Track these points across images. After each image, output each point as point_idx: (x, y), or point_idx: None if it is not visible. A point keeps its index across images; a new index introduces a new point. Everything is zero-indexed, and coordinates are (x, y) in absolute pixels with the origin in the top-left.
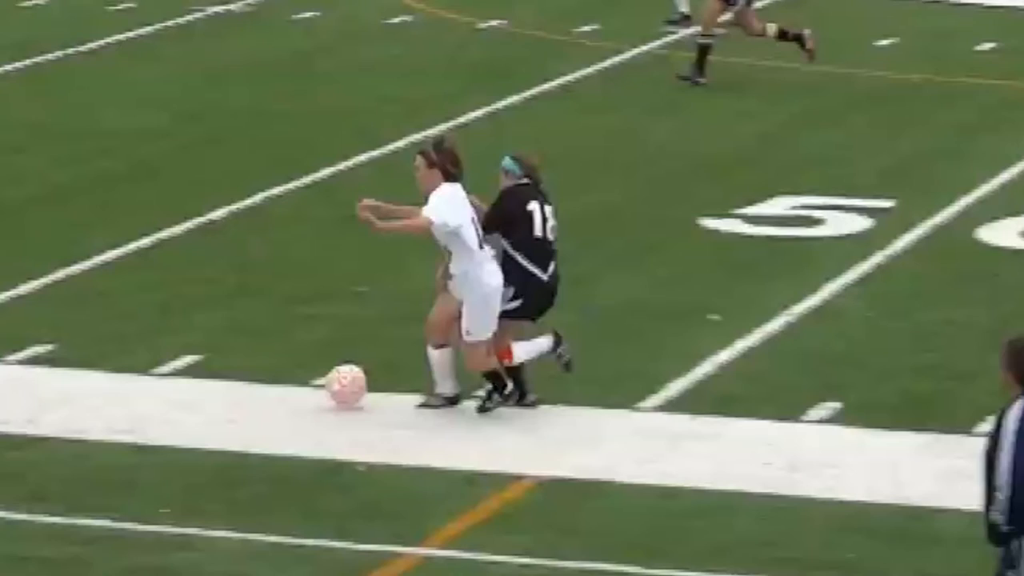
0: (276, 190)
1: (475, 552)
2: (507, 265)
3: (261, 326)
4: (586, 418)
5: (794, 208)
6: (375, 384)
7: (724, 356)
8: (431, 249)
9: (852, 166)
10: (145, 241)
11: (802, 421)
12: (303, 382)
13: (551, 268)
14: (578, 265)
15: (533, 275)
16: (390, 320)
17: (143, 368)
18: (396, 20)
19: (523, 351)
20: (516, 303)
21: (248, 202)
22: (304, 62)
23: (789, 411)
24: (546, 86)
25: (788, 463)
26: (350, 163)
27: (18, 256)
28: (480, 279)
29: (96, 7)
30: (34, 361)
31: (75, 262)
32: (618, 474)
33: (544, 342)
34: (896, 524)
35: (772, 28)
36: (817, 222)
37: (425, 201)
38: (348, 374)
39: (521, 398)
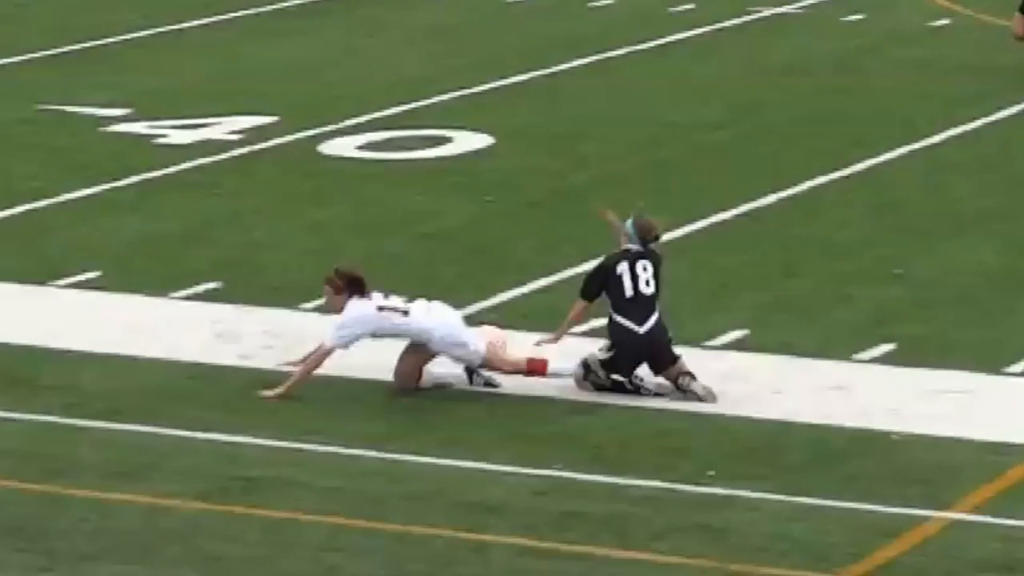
0: (821, 179)
1: (1002, 518)
2: (609, 322)
3: (804, 304)
4: None
5: None
6: (904, 361)
7: None
8: (963, 235)
9: None
10: (700, 224)
11: None
12: (845, 357)
13: (650, 322)
14: None
15: (628, 329)
16: (923, 301)
17: (696, 341)
18: (939, 23)
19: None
20: (610, 354)
21: (795, 190)
22: (852, 61)
23: None
24: None
25: None
26: (892, 155)
27: (586, 234)
28: (427, 328)
29: (659, 7)
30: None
31: None
32: None
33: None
34: None
35: None
36: None
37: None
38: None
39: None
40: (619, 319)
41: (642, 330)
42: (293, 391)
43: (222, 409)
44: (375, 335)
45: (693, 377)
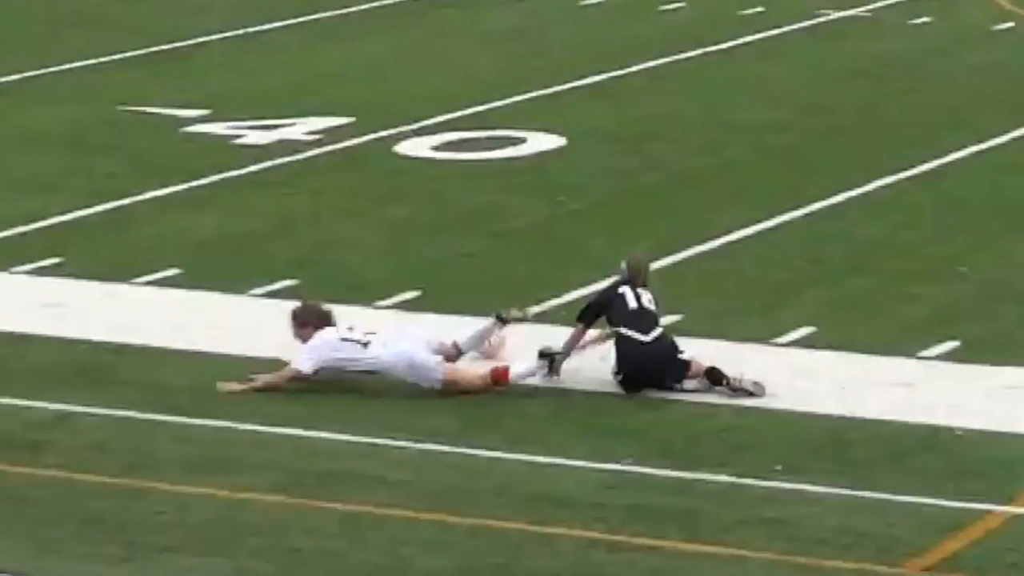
0: (886, 179)
1: None
2: (616, 339)
3: (869, 302)
4: None
5: None
6: (968, 358)
7: None
8: None
9: None
10: (767, 223)
11: None
12: (909, 354)
13: (654, 332)
14: None
15: (633, 339)
16: (987, 299)
17: (764, 338)
18: (1003, 26)
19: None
20: (619, 376)
21: (861, 190)
22: (917, 63)
23: None
24: None
25: None
26: (956, 156)
27: (656, 233)
28: (383, 360)
29: (728, 10)
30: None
31: (705, 241)
32: None
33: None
34: None
35: None
36: None
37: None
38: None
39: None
40: (624, 331)
41: (647, 338)
42: (250, 391)
43: (298, 404)
44: (337, 367)
45: (724, 374)
